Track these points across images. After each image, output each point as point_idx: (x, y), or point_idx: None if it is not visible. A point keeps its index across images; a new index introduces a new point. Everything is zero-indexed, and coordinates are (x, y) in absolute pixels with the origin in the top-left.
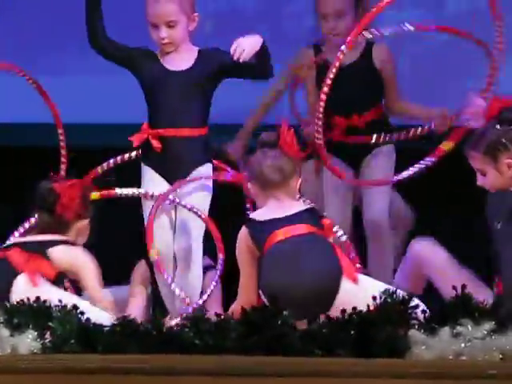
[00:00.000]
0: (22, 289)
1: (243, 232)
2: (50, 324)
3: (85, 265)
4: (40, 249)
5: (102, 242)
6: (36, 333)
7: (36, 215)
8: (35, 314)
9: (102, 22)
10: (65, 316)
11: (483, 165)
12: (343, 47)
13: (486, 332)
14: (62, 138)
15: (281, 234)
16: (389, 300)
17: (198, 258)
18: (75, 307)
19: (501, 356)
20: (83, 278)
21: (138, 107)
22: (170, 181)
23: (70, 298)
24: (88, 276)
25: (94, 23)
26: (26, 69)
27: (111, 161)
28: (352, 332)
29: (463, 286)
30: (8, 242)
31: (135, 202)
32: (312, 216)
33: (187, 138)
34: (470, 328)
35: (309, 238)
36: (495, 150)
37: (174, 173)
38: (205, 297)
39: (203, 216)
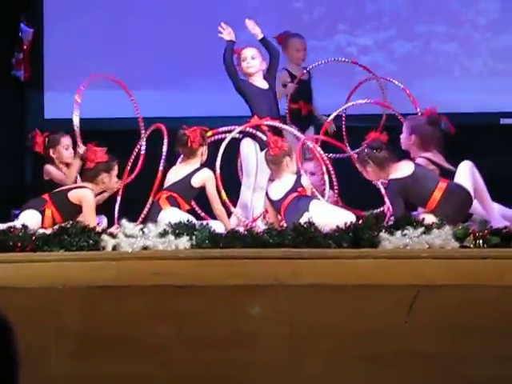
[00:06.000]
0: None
1: None
2: (195, 232)
3: (215, 196)
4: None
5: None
6: (188, 237)
7: None
8: (186, 227)
9: None
10: (201, 228)
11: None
12: None
13: (419, 233)
14: None
15: None
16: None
17: None
18: (207, 224)
19: (427, 246)
20: (212, 200)
21: None
22: None
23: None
24: (214, 201)
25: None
26: None
27: None
28: (350, 234)
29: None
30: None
31: None
32: None
33: None
34: (411, 231)
35: None
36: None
37: None
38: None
39: None
